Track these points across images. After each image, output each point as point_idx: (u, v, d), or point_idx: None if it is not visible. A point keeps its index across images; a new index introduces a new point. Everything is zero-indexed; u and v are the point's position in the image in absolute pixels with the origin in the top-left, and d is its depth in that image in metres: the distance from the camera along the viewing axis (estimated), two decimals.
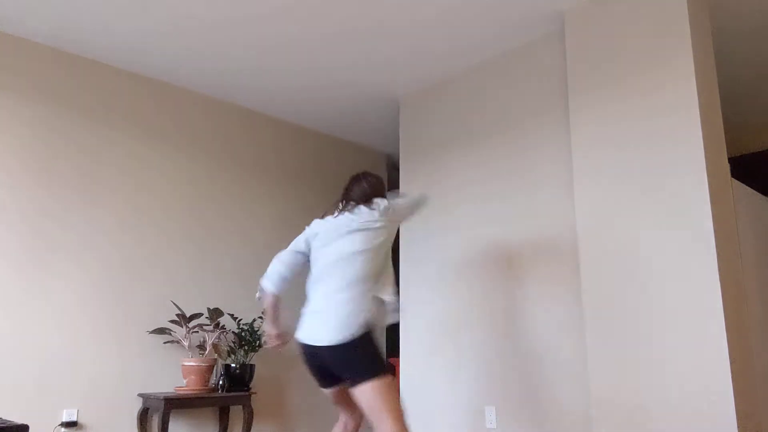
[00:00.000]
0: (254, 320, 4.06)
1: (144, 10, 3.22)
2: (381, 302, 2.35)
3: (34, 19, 3.30)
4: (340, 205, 2.53)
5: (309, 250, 2.54)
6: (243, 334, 3.93)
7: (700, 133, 2.56)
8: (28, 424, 3.04)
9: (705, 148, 2.55)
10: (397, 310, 2.41)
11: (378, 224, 2.39)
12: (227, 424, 3.93)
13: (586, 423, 2.86)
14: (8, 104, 3.41)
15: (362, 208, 2.43)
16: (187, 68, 3.88)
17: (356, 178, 2.58)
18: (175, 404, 3.44)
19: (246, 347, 3.89)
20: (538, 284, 3.21)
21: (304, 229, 4.76)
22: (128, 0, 3.12)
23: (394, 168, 5.71)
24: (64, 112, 3.61)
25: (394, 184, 6.02)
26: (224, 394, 3.70)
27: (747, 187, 3.23)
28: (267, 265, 4.38)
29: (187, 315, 3.77)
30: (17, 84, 3.46)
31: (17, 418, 3.16)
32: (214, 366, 3.71)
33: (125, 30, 3.42)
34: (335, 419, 4.57)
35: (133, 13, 3.25)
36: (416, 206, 2.68)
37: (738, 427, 2.29)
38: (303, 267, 2.59)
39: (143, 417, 3.55)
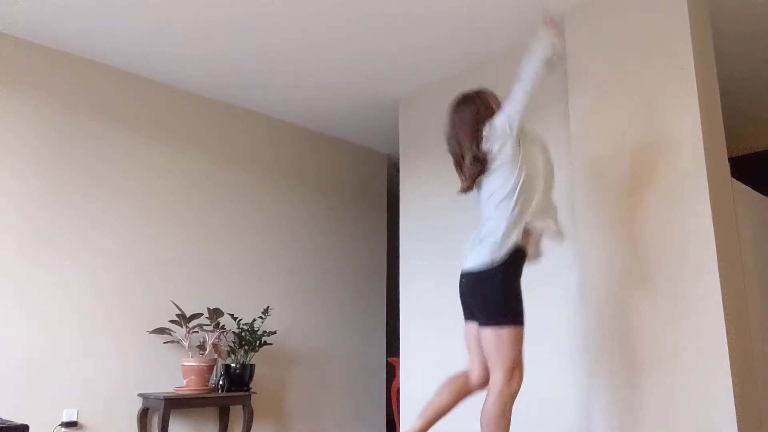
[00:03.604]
0: (254, 320, 4.06)
1: (147, 14, 3.22)
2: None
3: (43, 23, 3.31)
4: None
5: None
6: (243, 334, 3.92)
7: (700, 134, 2.56)
8: (28, 424, 3.04)
9: (705, 148, 2.55)
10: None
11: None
12: (227, 424, 3.93)
13: (587, 423, 2.86)
14: (14, 105, 3.41)
15: None
16: (188, 70, 3.88)
17: None
18: (175, 404, 3.44)
19: (246, 347, 3.89)
20: (538, 283, 3.20)
21: (301, 229, 4.78)
22: (131, 4, 3.12)
23: (394, 168, 5.71)
24: (69, 113, 3.61)
25: (394, 184, 6.02)
26: (224, 394, 3.70)
27: (747, 187, 3.23)
28: (267, 266, 4.40)
29: (187, 315, 3.77)
30: (24, 85, 3.45)
31: (17, 418, 3.15)
32: (214, 366, 3.71)
33: (129, 34, 3.42)
34: (335, 419, 4.57)
35: (137, 17, 3.25)
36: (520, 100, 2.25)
37: (738, 427, 2.29)
38: None
39: (143, 417, 3.55)
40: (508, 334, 2.09)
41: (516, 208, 2.16)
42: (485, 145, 2.23)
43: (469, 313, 2.29)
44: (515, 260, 2.17)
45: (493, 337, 2.10)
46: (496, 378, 2.10)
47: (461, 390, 2.25)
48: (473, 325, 2.26)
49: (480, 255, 2.17)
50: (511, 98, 2.24)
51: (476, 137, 2.25)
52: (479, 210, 2.32)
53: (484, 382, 2.23)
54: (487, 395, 2.12)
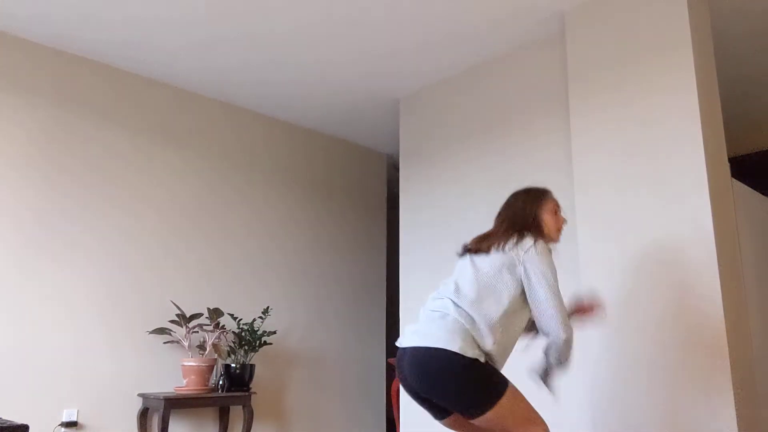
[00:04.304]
0: (254, 320, 4.06)
1: (148, 13, 3.22)
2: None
3: (41, 21, 3.31)
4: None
5: None
6: (243, 334, 3.93)
7: (700, 134, 2.56)
8: (28, 424, 3.04)
9: (705, 148, 2.55)
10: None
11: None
12: (227, 424, 3.93)
13: (587, 423, 2.86)
14: (16, 103, 3.41)
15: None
16: (189, 70, 3.88)
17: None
18: (175, 404, 3.44)
19: (246, 347, 3.89)
20: None
21: (301, 229, 4.78)
22: (130, 1, 3.12)
23: (394, 168, 5.71)
24: (68, 113, 3.61)
25: (394, 184, 6.03)
26: (224, 394, 3.70)
27: (747, 187, 3.23)
28: (267, 266, 4.40)
29: (187, 315, 3.77)
30: (22, 85, 3.45)
31: (17, 418, 3.16)
32: (214, 366, 3.71)
33: (128, 32, 3.42)
34: (335, 419, 4.57)
35: (137, 16, 3.25)
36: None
37: (738, 427, 2.29)
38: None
39: (143, 417, 3.55)
40: (506, 404, 1.84)
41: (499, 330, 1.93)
42: (503, 246, 2.01)
43: (437, 411, 2.02)
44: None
45: (493, 418, 1.85)
46: None
47: None
48: (451, 419, 2.03)
49: (445, 338, 1.87)
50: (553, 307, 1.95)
51: (508, 232, 2.05)
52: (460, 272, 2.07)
53: None
54: None
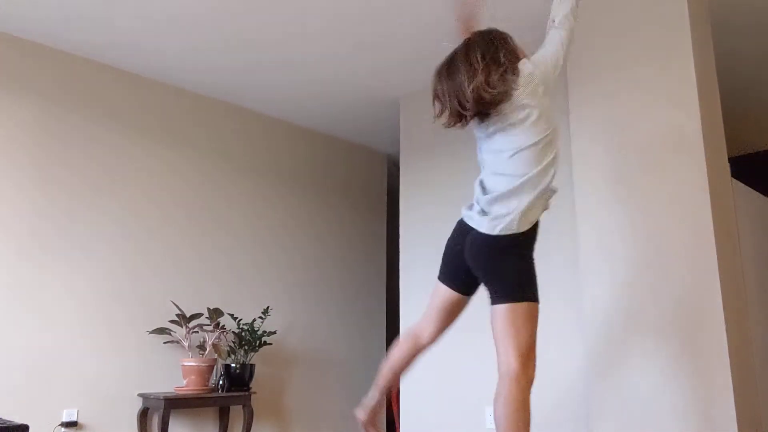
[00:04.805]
0: (254, 320, 4.06)
1: (145, 12, 3.21)
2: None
3: (34, 20, 3.30)
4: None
5: None
6: (243, 334, 3.93)
7: (700, 133, 2.56)
8: (28, 424, 3.04)
9: (705, 148, 2.55)
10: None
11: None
12: (227, 424, 3.93)
13: (587, 423, 2.86)
14: (6, 105, 3.40)
15: None
16: (187, 70, 3.88)
17: None
18: (175, 404, 3.44)
19: (246, 347, 3.89)
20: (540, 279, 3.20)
21: (301, 229, 4.78)
22: (131, 1, 3.12)
23: (394, 168, 5.71)
24: (62, 114, 3.60)
25: (394, 184, 6.03)
26: (224, 394, 3.70)
27: (747, 187, 3.23)
28: (267, 265, 4.40)
29: (187, 315, 3.77)
30: (16, 85, 3.45)
31: (17, 418, 3.15)
32: (214, 366, 3.71)
33: (125, 31, 3.41)
34: (335, 419, 4.57)
35: (135, 14, 3.25)
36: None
37: (738, 427, 2.29)
38: None
39: (143, 417, 3.55)
40: (525, 310, 1.86)
41: (545, 178, 2.00)
42: (506, 87, 1.99)
43: (456, 276, 2.10)
44: (536, 233, 2.01)
45: (508, 315, 1.85)
46: (511, 362, 1.81)
47: (412, 350, 2.14)
48: (452, 289, 2.11)
49: (501, 220, 1.93)
50: (546, 45, 2.11)
51: (488, 72, 2.03)
52: (483, 157, 2.10)
53: (434, 340, 2.14)
54: (501, 385, 1.82)
